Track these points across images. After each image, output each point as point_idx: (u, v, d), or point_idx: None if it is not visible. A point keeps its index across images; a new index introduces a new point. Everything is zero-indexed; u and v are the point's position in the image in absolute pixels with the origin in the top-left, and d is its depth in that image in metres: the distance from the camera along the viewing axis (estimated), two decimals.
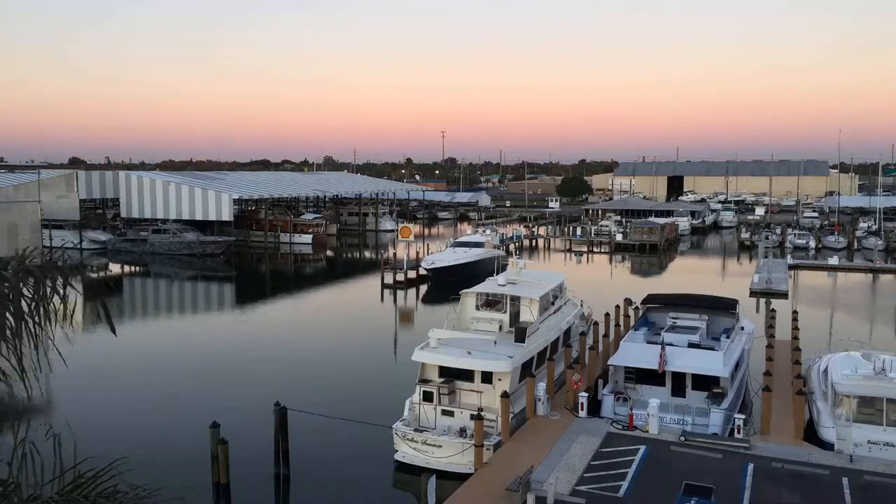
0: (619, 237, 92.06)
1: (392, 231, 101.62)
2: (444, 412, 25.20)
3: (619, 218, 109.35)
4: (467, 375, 26.10)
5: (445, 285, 53.90)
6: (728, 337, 29.52)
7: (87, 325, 42.04)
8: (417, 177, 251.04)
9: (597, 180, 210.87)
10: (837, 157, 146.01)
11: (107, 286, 6.53)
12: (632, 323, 36.04)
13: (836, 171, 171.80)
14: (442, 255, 66.47)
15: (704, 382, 26.54)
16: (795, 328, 35.67)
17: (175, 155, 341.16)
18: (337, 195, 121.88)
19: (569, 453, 22.86)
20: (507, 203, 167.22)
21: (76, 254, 79.16)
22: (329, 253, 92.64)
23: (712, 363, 26.39)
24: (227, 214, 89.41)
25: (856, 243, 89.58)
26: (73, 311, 6.66)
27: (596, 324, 36.18)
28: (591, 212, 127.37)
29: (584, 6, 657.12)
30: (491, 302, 32.05)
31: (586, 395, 26.76)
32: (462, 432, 24.22)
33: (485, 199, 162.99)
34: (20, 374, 6.09)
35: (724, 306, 32.85)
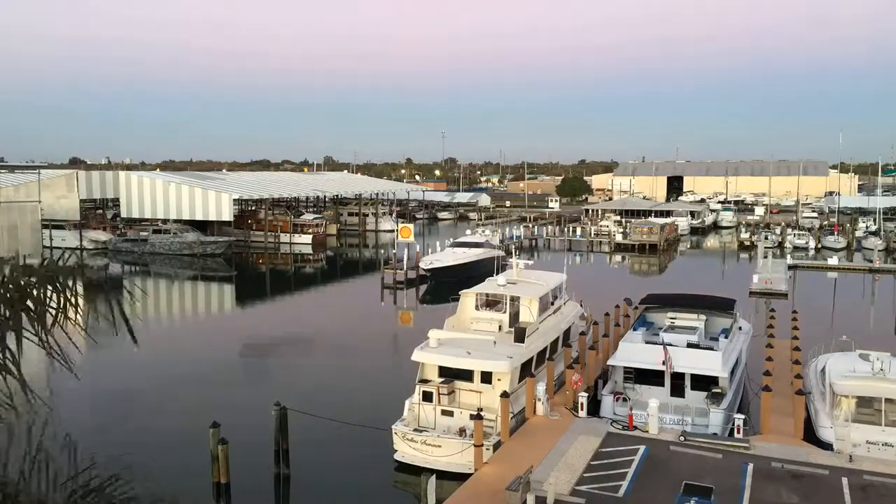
0: (619, 237, 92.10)
1: (392, 231, 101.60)
2: (444, 412, 25.21)
3: (619, 218, 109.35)
4: (467, 375, 26.11)
5: (444, 285, 53.92)
6: (726, 337, 29.51)
7: (87, 325, 42.03)
8: (417, 177, 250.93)
9: (597, 180, 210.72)
10: (838, 157, 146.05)
11: (114, 288, 6.50)
12: (631, 323, 36.04)
13: (835, 171, 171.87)
14: (441, 256, 66.45)
15: (703, 382, 26.55)
16: (795, 328, 35.72)
17: (175, 155, 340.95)
18: (337, 195, 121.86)
19: (568, 453, 22.88)
20: (507, 203, 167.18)
21: (76, 254, 79.16)
22: (329, 253, 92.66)
23: (711, 363, 26.40)
24: (227, 214, 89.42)
25: (855, 243, 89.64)
26: (77, 313, 6.68)
27: (596, 324, 36.19)
28: (591, 212, 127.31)
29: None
30: (491, 302, 32.08)
31: (586, 395, 26.79)
32: (462, 432, 24.23)
33: (485, 200, 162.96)
34: (21, 378, 6.11)
35: (721, 306, 32.86)
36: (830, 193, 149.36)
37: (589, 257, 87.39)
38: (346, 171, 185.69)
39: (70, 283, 6.04)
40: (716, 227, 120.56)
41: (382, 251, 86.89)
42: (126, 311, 6.32)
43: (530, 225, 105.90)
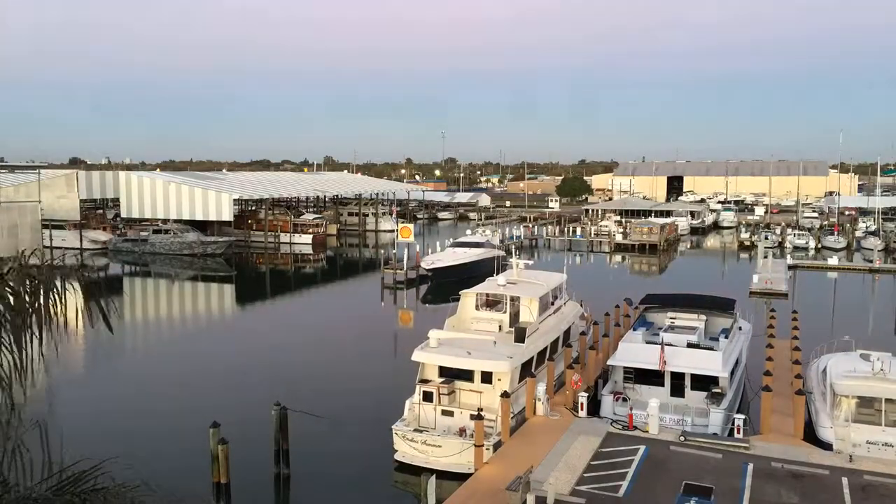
0: (619, 237, 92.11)
1: (392, 231, 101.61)
2: (444, 412, 25.20)
3: (619, 218, 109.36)
4: (467, 375, 26.11)
5: (445, 285, 53.93)
6: (726, 337, 29.50)
7: (86, 325, 42.00)
8: (417, 177, 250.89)
9: (597, 180, 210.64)
10: (838, 157, 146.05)
11: (104, 286, 6.53)
12: (631, 323, 36.02)
13: (835, 171, 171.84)
14: (441, 255, 66.48)
15: (703, 382, 26.55)
16: (795, 328, 35.70)
17: (175, 155, 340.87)
18: (337, 195, 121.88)
19: (568, 453, 22.88)
20: (507, 203, 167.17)
21: (75, 255, 79.15)
22: (329, 253, 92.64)
23: (711, 363, 26.40)
24: (227, 214, 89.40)
25: (855, 243, 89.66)
26: (76, 311, 6.68)
27: (596, 324, 36.19)
28: (591, 212, 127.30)
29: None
30: (491, 302, 32.08)
31: (586, 395, 26.78)
32: (462, 432, 24.23)
33: (485, 200, 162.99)
34: (19, 374, 6.10)
35: (721, 306, 32.85)
36: (830, 193, 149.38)
37: (589, 257, 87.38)
38: (346, 171, 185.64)
39: (49, 280, 6.04)
40: (716, 227, 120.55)
41: (382, 251, 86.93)
42: (103, 302, 6.33)
43: (530, 225, 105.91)
